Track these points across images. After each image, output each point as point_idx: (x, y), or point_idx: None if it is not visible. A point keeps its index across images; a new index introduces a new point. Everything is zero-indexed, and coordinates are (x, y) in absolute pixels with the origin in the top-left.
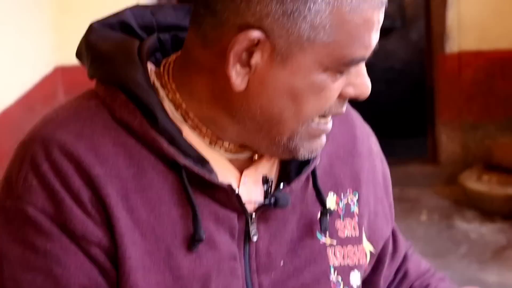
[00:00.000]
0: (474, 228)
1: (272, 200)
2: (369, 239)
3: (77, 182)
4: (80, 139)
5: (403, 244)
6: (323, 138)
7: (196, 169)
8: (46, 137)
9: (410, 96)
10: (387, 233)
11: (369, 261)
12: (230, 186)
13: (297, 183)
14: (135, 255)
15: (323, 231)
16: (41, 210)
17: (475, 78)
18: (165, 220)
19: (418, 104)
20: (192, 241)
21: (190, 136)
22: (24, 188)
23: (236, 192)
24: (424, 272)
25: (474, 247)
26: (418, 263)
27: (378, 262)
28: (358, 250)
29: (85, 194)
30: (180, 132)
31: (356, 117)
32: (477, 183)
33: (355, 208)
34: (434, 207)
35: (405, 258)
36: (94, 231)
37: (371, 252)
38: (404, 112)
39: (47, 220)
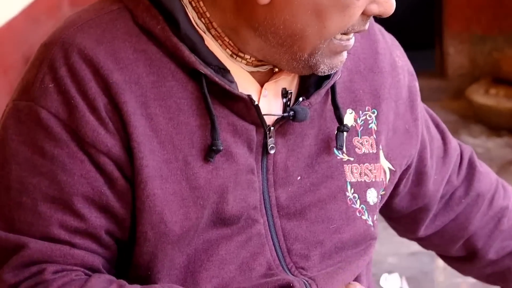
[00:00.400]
0: (480, 143)
1: (291, 113)
2: (387, 157)
3: (93, 88)
4: (100, 44)
5: (455, 148)
6: (344, 55)
7: (217, 78)
8: (66, 40)
9: (418, 7)
10: (410, 149)
11: (389, 178)
12: (249, 97)
13: (316, 97)
14: (152, 164)
15: (339, 147)
16: (54, 115)
17: None
18: (183, 129)
19: (426, 15)
20: (209, 151)
21: (212, 46)
22: (40, 91)
23: (255, 103)
24: (496, 188)
25: None
26: (489, 179)
27: (420, 174)
28: (375, 168)
29: (100, 101)
30: (202, 40)
31: (379, 32)
32: (484, 97)
33: (373, 126)
34: None
35: (474, 174)
36: (105, 139)
37: (390, 169)
38: (412, 24)
39: (59, 125)
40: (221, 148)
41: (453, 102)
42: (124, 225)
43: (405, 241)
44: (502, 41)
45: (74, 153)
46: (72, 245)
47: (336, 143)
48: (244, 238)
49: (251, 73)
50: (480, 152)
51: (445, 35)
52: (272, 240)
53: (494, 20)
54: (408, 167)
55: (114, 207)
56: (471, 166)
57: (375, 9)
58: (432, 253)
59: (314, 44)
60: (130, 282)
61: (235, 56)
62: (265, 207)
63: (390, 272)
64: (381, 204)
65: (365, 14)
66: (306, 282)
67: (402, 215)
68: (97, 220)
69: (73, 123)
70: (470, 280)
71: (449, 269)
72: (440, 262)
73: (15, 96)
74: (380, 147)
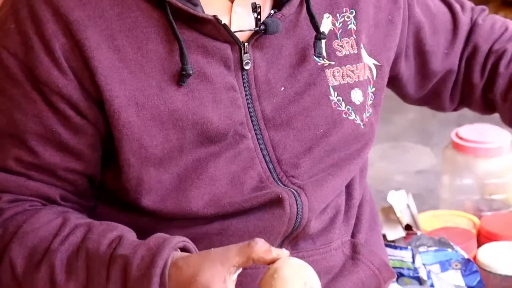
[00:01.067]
0: None
1: (262, 27)
2: (370, 54)
3: (50, 29)
4: None
5: (465, 18)
6: None
7: (180, 4)
8: None
9: None
10: (395, 39)
11: (377, 74)
12: (215, 17)
13: (288, 8)
14: (124, 93)
15: (317, 55)
16: (13, 55)
17: None
18: (153, 57)
19: None
20: (181, 76)
21: None
22: (3, 32)
23: (222, 22)
24: (499, 36)
25: None
26: (490, 29)
27: (422, 54)
28: (357, 68)
29: (56, 42)
30: None
31: None
32: None
33: (352, 26)
34: None
35: (472, 29)
36: (56, 79)
37: (376, 65)
38: None
39: (16, 65)
40: (191, 72)
41: None
42: (84, 160)
43: (411, 159)
44: None
45: (28, 93)
46: (28, 177)
47: (315, 51)
48: (233, 154)
49: None
50: None
51: None
52: (262, 152)
53: None
54: (398, 55)
55: (68, 144)
56: (472, 27)
57: None
58: (437, 171)
59: None
60: (123, 206)
61: None
62: (252, 122)
63: (397, 189)
64: (377, 101)
65: None
66: (295, 191)
67: (422, 96)
68: (51, 158)
69: (29, 63)
70: (474, 197)
71: (454, 186)
72: (446, 180)
73: None
74: (362, 46)
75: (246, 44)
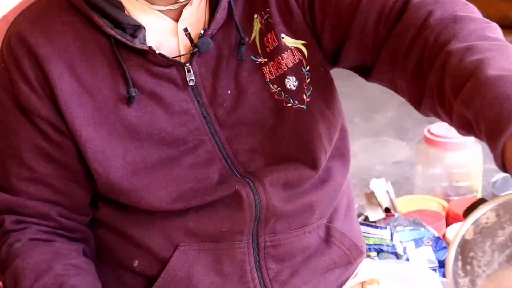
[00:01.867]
0: None
1: (195, 49)
2: (296, 37)
3: (26, 64)
4: (34, 25)
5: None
6: None
7: (119, 36)
8: (12, 27)
9: None
10: (305, 21)
11: (308, 53)
12: (150, 48)
13: (216, 23)
14: (83, 114)
15: (239, 57)
16: (4, 88)
17: None
18: (109, 81)
19: None
20: (129, 97)
21: (127, 4)
22: None
23: (157, 52)
24: (422, 22)
25: None
26: (414, 13)
27: (337, 36)
28: (282, 58)
29: (31, 73)
30: (111, 4)
31: None
32: None
33: (270, 20)
34: None
35: (399, 15)
36: (35, 103)
37: (304, 45)
38: None
39: (7, 96)
40: (134, 94)
41: None
42: (72, 169)
43: (390, 152)
44: None
45: (18, 118)
46: (28, 194)
47: (238, 53)
48: (194, 156)
49: (163, 11)
50: None
51: None
52: (220, 151)
53: None
54: (327, 38)
55: (55, 156)
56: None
57: None
58: (412, 162)
59: None
60: (105, 208)
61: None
62: (208, 126)
63: (378, 177)
64: (316, 77)
65: None
66: (249, 179)
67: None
68: (45, 169)
69: (15, 93)
70: (443, 184)
71: (426, 175)
72: (419, 170)
73: None
74: (282, 35)
75: (187, 64)
